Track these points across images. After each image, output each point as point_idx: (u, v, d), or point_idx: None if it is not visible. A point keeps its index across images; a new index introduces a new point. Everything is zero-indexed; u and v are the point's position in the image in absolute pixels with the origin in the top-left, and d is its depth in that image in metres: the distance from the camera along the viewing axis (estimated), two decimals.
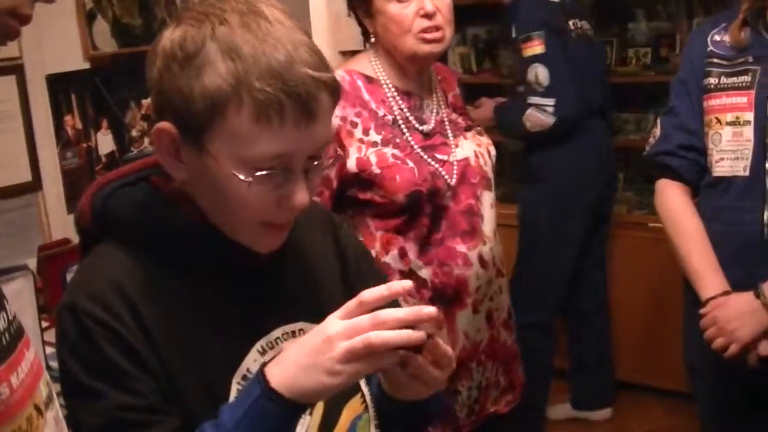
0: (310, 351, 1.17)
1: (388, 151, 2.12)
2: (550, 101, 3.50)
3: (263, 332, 1.32)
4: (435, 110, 2.25)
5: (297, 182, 1.23)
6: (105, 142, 3.27)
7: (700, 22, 3.21)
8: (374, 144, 2.12)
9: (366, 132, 2.13)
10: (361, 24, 2.26)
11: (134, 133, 3.33)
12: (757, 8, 2.26)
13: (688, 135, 2.36)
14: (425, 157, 2.16)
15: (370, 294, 1.18)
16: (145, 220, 1.28)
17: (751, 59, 2.24)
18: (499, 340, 2.30)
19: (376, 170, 2.09)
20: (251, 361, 1.29)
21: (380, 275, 1.58)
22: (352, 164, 2.10)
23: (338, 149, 2.09)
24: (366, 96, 2.17)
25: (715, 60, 2.31)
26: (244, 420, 1.18)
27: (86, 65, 3.23)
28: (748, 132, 2.20)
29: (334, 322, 1.18)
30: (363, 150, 2.11)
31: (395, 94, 2.19)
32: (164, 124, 1.22)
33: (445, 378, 1.29)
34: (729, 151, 2.24)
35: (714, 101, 2.29)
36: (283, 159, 1.21)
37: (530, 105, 3.53)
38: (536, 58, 3.54)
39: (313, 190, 1.29)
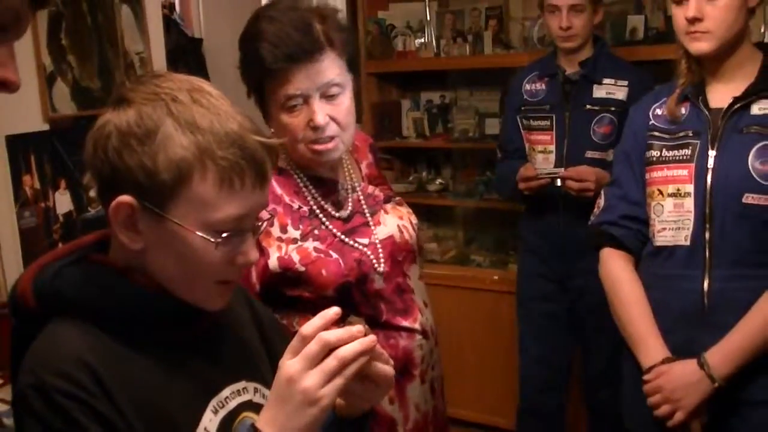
0: (285, 397, 1.27)
1: (310, 245, 2.03)
2: None
3: (214, 392, 1.40)
4: (350, 190, 2.17)
5: (249, 242, 1.35)
6: (63, 202, 3.29)
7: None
8: (294, 240, 2.02)
9: (284, 229, 2.03)
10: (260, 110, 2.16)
11: (92, 193, 3.34)
12: (696, 83, 2.36)
13: (630, 205, 2.44)
14: (348, 241, 2.08)
15: (308, 328, 1.29)
16: (98, 294, 1.34)
17: (690, 133, 2.33)
18: (440, 409, 2.29)
19: (301, 268, 1.99)
20: (207, 421, 1.36)
21: (288, 337, 1.67)
22: (274, 264, 1.99)
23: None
24: (278, 190, 2.07)
25: (657, 133, 2.40)
26: None
27: (45, 126, 3.26)
28: (689, 203, 2.29)
29: (288, 364, 1.28)
30: (283, 249, 2.01)
31: (307, 183, 2.10)
32: (124, 198, 1.28)
33: (392, 375, 1.41)
34: (671, 222, 2.33)
35: (656, 173, 2.37)
36: (241, 220, 1.32)
37: None
38: None
39: None
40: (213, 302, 1.39)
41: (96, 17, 3.29)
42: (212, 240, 1.30)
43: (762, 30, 3.83)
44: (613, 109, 3.51)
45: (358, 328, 1.32)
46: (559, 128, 3.60)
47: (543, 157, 3.63)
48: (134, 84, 1.34)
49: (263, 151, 1.32)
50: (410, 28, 4.91)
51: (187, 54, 4.67)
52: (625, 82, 3.53)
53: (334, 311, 1.34)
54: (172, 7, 4.85)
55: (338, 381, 1.28)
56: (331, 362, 1.27)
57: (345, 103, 2.03)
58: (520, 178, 3.55)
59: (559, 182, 3.46)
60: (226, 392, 1.41)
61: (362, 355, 1.30)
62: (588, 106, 3.55)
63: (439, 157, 5.03)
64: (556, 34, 3.55)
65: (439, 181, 4.96)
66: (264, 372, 1.50)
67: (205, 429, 1.36)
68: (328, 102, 2.00)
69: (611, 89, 3.54)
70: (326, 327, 1.31)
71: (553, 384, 3.80)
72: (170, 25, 4.56)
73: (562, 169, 3.48)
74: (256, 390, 1.46)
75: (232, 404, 1.41)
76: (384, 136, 4.90)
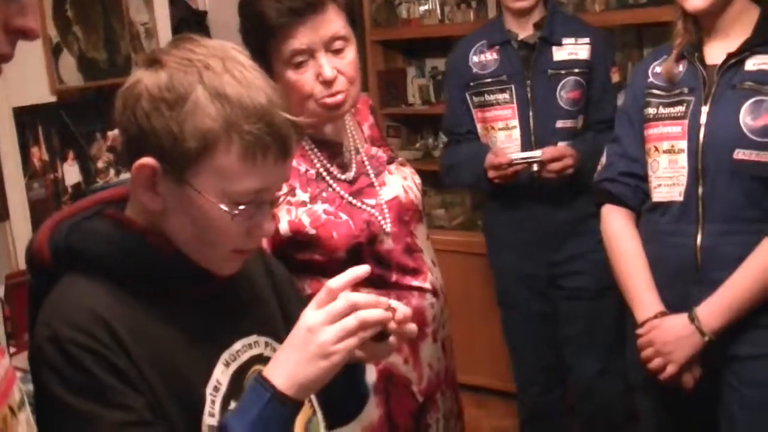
0: (300, 345, 1.32)
1: (319, 207, 2.03)
2: None
3: (225, 346, 1.43)
4: (354, 152, 2.17)
5: (267, 214, 1.39)
6: (71, 174, 3.33)
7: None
8: (303, 204, 2.03)
9: (292, 192, 2.01)
10: None
11: (100, 164, 3.38)
12: (693, 42, 2.38)
13: (629, 162, 2.47)
14: (356, 203, 2.09)
15: (336, 282, 1.35)
16: (114, 250, 1.37)
17: (686, 90, 2.36)
18: (451, 367, 2.31)
19: (311, 230, 2.00)
20: (219, 373, 1.40)
21: (302, 297, 1.72)
22: (284, 228, 1.99)
23: None
24: None
25: (654, 91, 2.43)
26: (257, 425, 1.31)
27: (53, 98, 3.28)
28: (683, 159, 2.32)
29: (312, 314, 1.33)
30: (293, 212, 2.01)
31: (313, 146, 2.10)
32: (147, 160, 1.31)
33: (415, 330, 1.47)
34: (665, 178, 2.35)
35: (652, 130, 2.40)
36: (260, 193, 1.35)
37: None
38: (621, 86, 3.21)
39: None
40: (226, 268, 1.43)
41: None
42: (229, 211, 1.33)
43: None
44: (577, 71, 3.24)
45: (386, 300, 1.38)
46: (520, 100, 3.27)
47: (506, 135, 3.29)
48: (170, 47, 1.36)
49: (289, 128, 1.35)
50: None
51: (191, 26, 4.67)
52: (586, 40, 3.26)
53: (364, 269, 1.40)
54: None
55: (352, 341, 1.32)
56: (351, 321, 1.32)
57: (350, 56, 2.04)
58: (491, 165, 3.18)
59: (536, 167, 3.14)
60: (237, 345, 1.45)
61: (381, 323, 1.36)
62: (551, 71, 3.25)
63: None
64: (506, 2, 3.27)
65: None
66: (275, 327, 1.54)
67: (218, 381, 1.40)
68: (334, 56, 2.01)
69: (573, 49, 3.26)
70: (352, 283, 1.37)
71: (553, 384, 3.56)
72: None
73: (539, 152, 3.14)
74: (267, 344, 1.50)
75: (244, 357, 1.45)
76: (390, 103, 4.93)
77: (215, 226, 1.35)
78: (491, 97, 3.31)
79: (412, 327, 1.45)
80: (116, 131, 3.27)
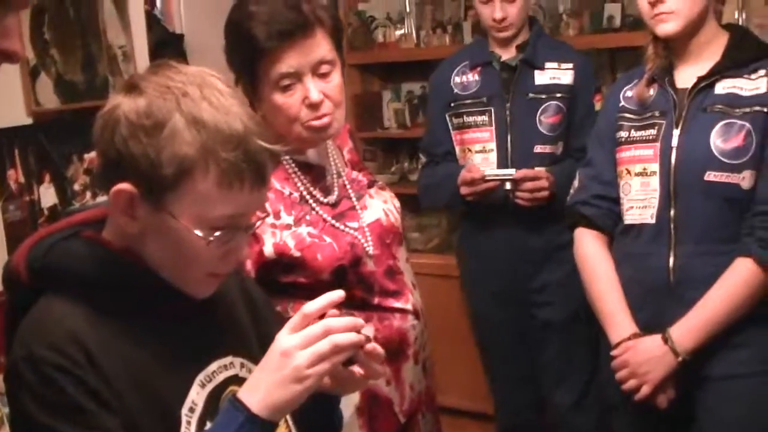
0: (274, 368, 1.34)
1: (303, 230, 2.05)
2: None
3: (201, 367, 1.45)
4: (336, 175, 2.19)
5: (242, 239, 1.42)
6: (47, 196, 3.31)
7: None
8: (288, 226, 2.05)
9: (277, 215, 2.04)
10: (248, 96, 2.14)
11: (76, 186, 3.37)
12: (664, 66, 2.42)
13: (602, 185, 2.51)
14: (339, 226, 2.11)
15: (310, 307, 1.37)
16: (91, 270, 1.39)
17: (657, 113, 2.41)
18: (432, 388, 2.33)
19: (296, 253, 2.02)
20: (195, 394, 1.42)
21: (281, 316, 1.73)
22: (269, 250, 2.01)
23: (250, 237, 1.96)
24: None
25: (627, 114, 2.48)
26: None
27: (29, 120, 3.28)
28: (655, 182, 2.36)
29: (286, 338, 1.35)
30: (278, 235, 2.03)
31: (296, 169, 2.12)
32: (125, 185, 1.34)
33: (381, 371, 1.51)
34: (638, 200, 2.40)
35: (624, 153, 2.45)
36: (235, 219, 1.38)
37: None
38: None
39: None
40: (201, 291, 1.45)
41: (79, 10, 3.30)
42: (204, 237, 1.35)
43: (736, 15, 3.88)
44: (559, 95, 3.22)
45: (361, 321, 1.41)
46: (499, 122, 3.24)
47: (482, 158, 3.25)
48: (148, 73, 1.39)
49: (265, 155, 1.37)
50: (390, 19, 4.95)
51: (168, 49, 4.68)
52: (570, 65, 3.24)
53: (338, 294, 1.42)
54: (153, 2, 4.88)
55: (325, 365, 1.34)
56: (324, 345, 1.34)
57: (336, 80, 2.06)
58: (463, 181, 3.16)
59: (509, 185, 3.12)
60: (213, 366, 1.47)
61: (354, 347, 1.38)
62: (531, 95, 3.23)
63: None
64: (488, 25, 3.25)
65: None
66: (250, 347, 1.55)
67: (193, 401, 1.41)
68: (321, 80, 2.03)
69: (555, 74, 3.23)
70: (327, 308, 1.39)
71: (530, 403, 3.53)
72: (152, 20, 4.59)
73: (513, 170, 3.11)
74: (242, 365, 1.51)
75: (219, 378, 1.47)
76: (366, 126, 4.94)
77: (191, 251, 1.37)
78: (470, 119, 3.29)
79: (380, 353, 1.48)
80: (93, 153, 3.31)
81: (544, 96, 3.22)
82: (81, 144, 3.38)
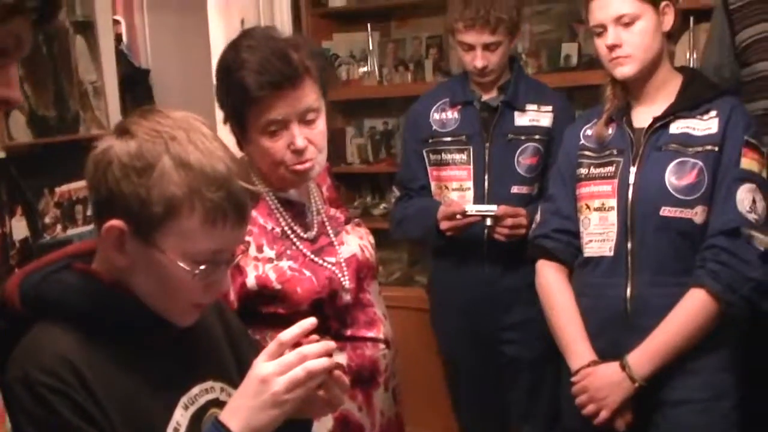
0: (253, 394, 1.45)
1: (285, 264, 2.13)
2: None
3: (185, 390, 1.55)
4: (315, 212, 2.28)
5: (223, 272, 1.53)
6: (19, 229, 3.33)
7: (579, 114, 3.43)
8: (270, 260, 2.13)
9: (260, 249, 2.13)
10: (235, 135, 2.24)
11: (47, 220, 3.40)
12: (621, 106, 2.54)
13: (562, 220, 2.62)
14: (318, 261, 2.19)
15: (286, 335, 1.48)
16: (81, 300, 1.49)
17: (615, 151, 2.52)
18: (400, 415, 2.40)
19: (277, 285, 2.10)
20: (179, 415, 1.52)
21: (258, 344, 1.85)
22: (252, 282, 2.10)
23: (234, 269, 2.07)
24: (253, 212, 2.10)
25: (586, 152, 2.59)
26: None
27: (2, 154, 3.31)
28: (613, 216, 2.47)
29: (264, 365, 1.46)
30: (260, 267, 2.11)
31: (279, 206, 2.20)
32: (116, 222, 1.44)
33: (343, 399, 1.62)
34: (596, 234, 2.51)
35: (584, 189, 2.56)
36: (217, 254, 1.48)
37: None
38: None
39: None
40: (185, 320, 1.55)
41: (51, 47, 3.34)
42: (190, 270, 1.46)
43: (687, 56, 4.01)
44: (537, 137, 3.21)
45: (332, 344, 1.52)
46: (477, 162, 3.23)
47: (458, 196, 3.25)
48: (138, 117, 1.48)
49: (246, 196, 1.49)
50: (353, 57, 5.03)
51: (135, 84, 4.74)
52: (549, 108, 3.23)
53: (310, 322, 1.52)
54: (119, 38, 4.93)
55: (302, 390, 1.45)
56: (300, 373, 1.45)
57: (321, 126, 2.15)
58: (444, 216, 3.12)
59: (489, 221, 3.08)
60: (195, 390, 1.56)
61: (327, 370, 1.49)
62: (511, 136, 3.21)
63: (383, 182, 5.11)
64: (469, 70, 3.23)
65: (383, 205, 5.02)
66: (229, 372, 1.65)
67: (177, 422, 1.51)
68: (306, 126, 2.11)
69: (535, 116, 3.23)
70: (301, 336, 1.50)
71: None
72: (119, 55, 4.63)
73: (495, 206, 3.08)
74: (222, 389, 1.61)
75: (201, 401, 1.57)
76: (329, 162, 4.98)
77: (177, 283, 1.47)
78: (448, 156, 3.29)
79: (345, 382, 1.59)
80: (64, 187, 3.36)
81: (523, 137, 3.22)
82: (52, 178, 3.40)
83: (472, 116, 3.27)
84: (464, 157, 3.25)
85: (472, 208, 3.10)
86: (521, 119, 3.24)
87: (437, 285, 3.55)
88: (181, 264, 1.45)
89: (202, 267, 1.46)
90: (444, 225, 3.14)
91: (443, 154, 3.30)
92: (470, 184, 3.25)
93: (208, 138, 1.48)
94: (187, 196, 1.42)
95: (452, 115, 3.31)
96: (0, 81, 1.21)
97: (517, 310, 3.22)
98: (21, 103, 1.28)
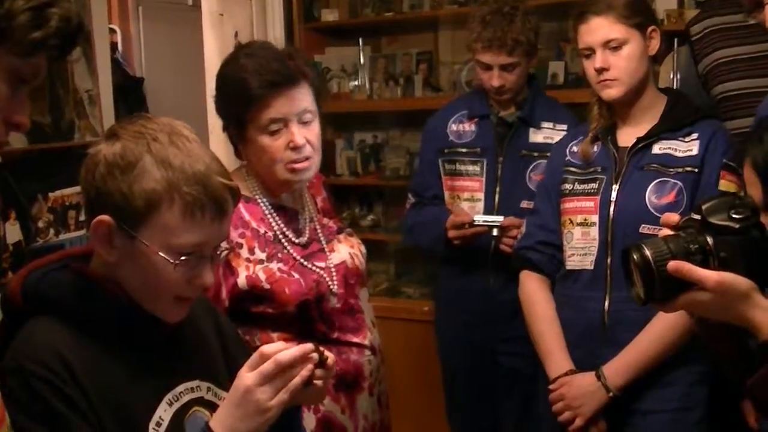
0: (239, 403, 1.52)
1: (274, 266, 2.22)
2: None
3: (170, 387, 1.63)
4: (308, 219, 2.37)
5: (206, 265, 1.60)
6: (12, 233, 3.37)
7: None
8: (260, 261, 2.22)
9: (251, 251, 2.23)
10: (233, 142, 2.35)
11: (40, 224, 3.44)
12: (607, 126, 2.62)
13: (546, 233, 2.70)
14: (308, 265, 2.27)
15: (268, 349, 1.55)
16: (75, 298, 1.57)
17: (599, 169, 2.59)
18: (386, 420, 2.48)
19: (267, 285, 2.19)
20: (162, 411, 1.60)
21: (248, 349, 1.90)
22: (242, 282, 2.19)
23: (226, 269, 2.19)
24: (246, 216, 2.26)
25: (571, 168, 2.66)
26: None
27: None
28: (594, 232, 2.55)
29: (246, 376, 1.53)
30: (251, 268, 2.20)
31: (272, 211, 2.30)
32: (104, 217, 1.53)
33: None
34: (578, 248, 2.58)
35: (568, 204, 2.63)
36: (199, 247, 1.56)
37: None
38: None
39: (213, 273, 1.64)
40: (171, 315, 1.62)
41: None
42: (171, 261, 1.54)
43: (671, 76, 4.07)
44: (549, 154, 3.05)
45: (310, 346, 1.58)
46: (490, 175, 3.27)
47: (469, 207, 3.28)
48: (126, 123, 1.58)
49: (225, 191, 1.57)
50: (344, 71, 5.07)
51: (128, 92, 4.79)
52: (564, 126, 3.21)
53: (284, 345, 1.58)
54: (114, 46, 4.98)
55: (284, 396, 1.52)
56: (280, 382, 1.52)
57: (316, 128, 2.28)
58: (452, 224, 3.18)
59: (496, 231, 3.11)
60: (180, 388, 1.64)
61: (306, 378, 1.55)
62: (524, 152, 3.24)
63: (371, 195, 5.16)
64: (488, 89, 3.25)
65: (371, 217, 5.06)
66: (218, 374, 1.73)
67: (160, 417, 1.58)
68: (304, 127, 2.24)
69: (549, 134, 3.22)
70: (284, 349, 1.56)
71: None
72: (113, 64, 4.68)
73: (501, 217, 3.12)
74: (208, 389, 1.69)
75: (185, 399, 1.64)
76: (323, 174, 5.02)
77: (159, 274, 1.55)
78: (462, 167, 3.32)
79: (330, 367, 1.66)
80: (57, 192, 3.41)
81: (536, 154, 3.22)
82: (46, 183, 3.44)
83: (488, 130, 3.31)
84: (477, 169, 3.29)
85: (479, 219, 3.15)
86: (536, 136, 3.26)
87: (443, 292, 3.58)
88: (163, 255, 1.53)
89: (183, 258, 1.54)
90: (452, 234, 3.18)
91: (457, 165, 3.34)
92: (481, 195, 3.29)
93: (189, 140, 1.57)
94: (166, 190, 1.51)
95: (469, 127, 3.34)
96: (15, 108, 1.30)
97: (517, 323, 3.11)
98: (28, 128, 1.35)
